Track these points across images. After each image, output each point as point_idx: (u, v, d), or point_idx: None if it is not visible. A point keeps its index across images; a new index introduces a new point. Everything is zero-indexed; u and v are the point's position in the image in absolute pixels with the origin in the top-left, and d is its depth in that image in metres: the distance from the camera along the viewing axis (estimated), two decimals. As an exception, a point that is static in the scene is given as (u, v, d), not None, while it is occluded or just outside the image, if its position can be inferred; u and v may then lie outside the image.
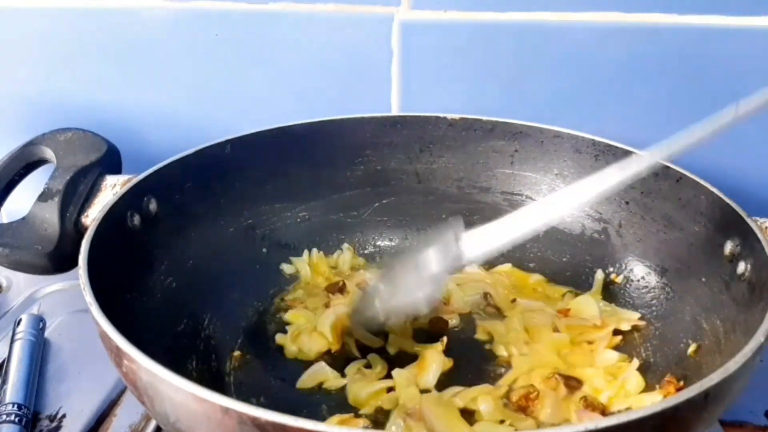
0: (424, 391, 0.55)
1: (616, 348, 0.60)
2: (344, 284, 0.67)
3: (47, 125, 0.69)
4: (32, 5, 0.78)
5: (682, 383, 0.53)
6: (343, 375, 0.58)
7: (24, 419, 0.55)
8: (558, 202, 0.55)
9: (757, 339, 0.42)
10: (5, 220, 0.63)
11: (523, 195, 0.72)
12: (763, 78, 0.71)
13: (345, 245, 0.73)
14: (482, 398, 0.53)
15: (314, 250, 0.71)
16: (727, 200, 0.57)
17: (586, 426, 0.36)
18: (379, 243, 0.74)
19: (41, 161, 0.67)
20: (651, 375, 0.57)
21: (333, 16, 0.74)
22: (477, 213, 0.74)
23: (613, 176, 0.50)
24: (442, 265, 0.53)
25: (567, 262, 0.70)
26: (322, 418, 0.53)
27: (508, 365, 0.59)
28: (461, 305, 0.65)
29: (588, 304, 0.64)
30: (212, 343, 0.60)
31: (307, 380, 0.58)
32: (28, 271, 0.62)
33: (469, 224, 0.73)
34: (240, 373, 0.59)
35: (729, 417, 0.57)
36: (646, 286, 0.64)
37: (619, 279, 0.66)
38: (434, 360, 0.58)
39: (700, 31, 0.70)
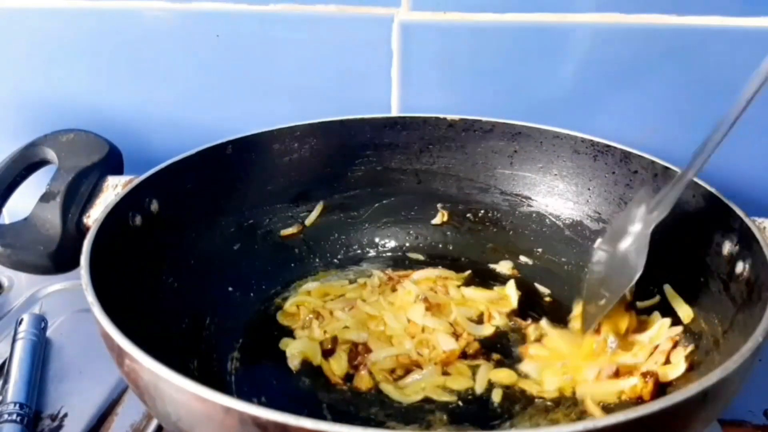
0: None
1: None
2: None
3: (49, 126, 0.70)
4: (34, 6, 0.78)
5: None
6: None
7: (26, 418, 0.55)
8: None
9: (756, 339, 0.42)
10: (7, 221, 0.63)
11: (522, 195, 0.73)
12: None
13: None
14: None
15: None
16: (726, 201, 0.57)
17: (585, 425, 0.36)
18: (378, 243, 0.75)
19: (43, 162, 0.68)
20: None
21: (333, 17, 0.75)
22: (476, 213, 0.74)
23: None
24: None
25: (566, 262, 0.70)
26: (322, 418, 0.54)
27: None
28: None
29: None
30: (213, 343, 0.60)
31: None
32: (30, 271, 0.62)
33: (470, 224, 0.74)
34: (241, 372, 0.59)
35: (728, 416, 0.58)
36: (645, 287, 0.64)
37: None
38: None
39: (700, 31, 0.70)
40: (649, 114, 0.75)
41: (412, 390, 0.57)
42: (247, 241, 0.69)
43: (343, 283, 0.69)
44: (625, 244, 0.58)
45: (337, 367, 0.59)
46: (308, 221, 0.73)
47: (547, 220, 0.72)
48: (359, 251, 0.74)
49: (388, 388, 0.57)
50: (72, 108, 0.82)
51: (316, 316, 0.64)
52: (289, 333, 0.63)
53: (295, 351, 0.60)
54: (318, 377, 0.58)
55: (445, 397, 0.56)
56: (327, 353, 0.60)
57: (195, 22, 0.77)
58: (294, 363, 0.59)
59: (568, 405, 0.55)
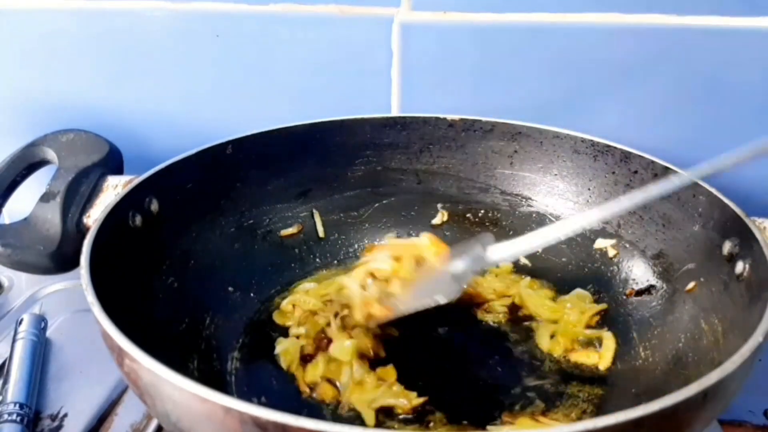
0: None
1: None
2: None
3: (49, 126, 0.70)
4: (34, 6, 0.78)
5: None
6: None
7: (26, 418, 0.55)
8: (578, 221, 0.57)
9: (756, 339, 0.42)
10: (8, 221, 0.63)
11: (522, 195, 0.73)
12: (763, 78, 0.71)
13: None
14: None
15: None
16: (726, 200, 0.57)
17: (585, 425, 0.36)
18: (379, 243, 0.75)
19: (43, 162, 0.68)
20: (649, 373, 0.57)
21: (333, 18, 0.75)
22: (476, 213, 0.74)
23: (634, 197, 0.53)
24: (467, 266, 0.58)
25: (566, 263, 0.70)
26: (322, 418, 0.54)
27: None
28: None
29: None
30: (213, 343, 0.60)
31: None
32: (31, 271, 0.62)
33: (469, 224, 0.74)
34: (241, 372, 0.59)
35: (728, 416, 0.58)
36: (645, 286, 0.64)
37: (618, 279, 0.66)
38: None
39: (700, 31, 0.70)
40: (649, 114, 0.75)
41: (372, 397, 0.55)
42: (247, 241, 0.69)
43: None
44: (452, 268, 0.59)
45: (311, 374, 0.58)
46: (321, 233, 0.73)
47: (547, 220, 0.72)
48: (359, 251, 0.74)
49: (353, 399, 0.55)
50: (72, 108, 0.82)
51: (310, 315, 0.64)
52: (287, 333, 0.63)
53: (280, 350, 0.60)
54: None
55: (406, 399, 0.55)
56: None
57: (195, 22, 0.77)
58: (284, 363, 0.59)
59: (568, 405, 0.55)
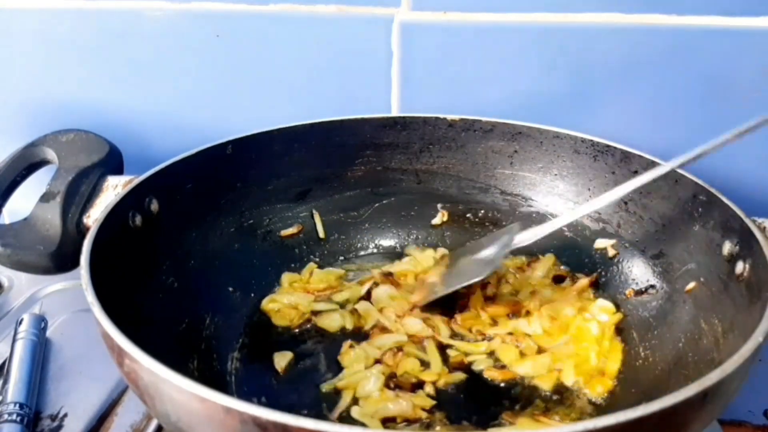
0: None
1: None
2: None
3: (49, 126, 0.70)
4: (34, 6, 0.78)
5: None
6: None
7: (26, 418, 0.55)
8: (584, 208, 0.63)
9: (756, 339, 0.42)
10: (8, 221, 0.63)
11: (522, 195, 0.73)
12: (762, 79, 0.71)
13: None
14: None
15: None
16: (726, 200, 0.57)
17: (585, 425, 0.36)
18: (378, 243, 0.75)
19: (43, 162, 0.68)
20: (649, 373, 0.57)
21: (333, 17, 0.75)
22: (477, 213, 0.74)
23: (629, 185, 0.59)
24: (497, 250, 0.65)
25: (565, 263, 0.70)
26: (322, 417, 0.54)
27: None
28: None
29: None
30: (213, 342, 0.60)
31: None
32: (30, 271, 0.62)
33: (469, 224, 0.75)
34: (241, 373, 0.59)
35: (728, 416, 0.58)
36: (645, 286, 0.64)
37: (618, 279, 0.66)
38: None
39: (700, 31, 0.70)
40: (649, 114, 0.75)
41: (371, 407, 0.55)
42: (247, 241, 0.69)
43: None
44: (484, 254, 0.66)
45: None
46: (321, 233, 0.73)
47: (547, 220, 0.72)
48: (359, 251, 0.74)
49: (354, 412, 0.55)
50: (72, 108, 0.82)
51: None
52: (286, 333, 0.63)
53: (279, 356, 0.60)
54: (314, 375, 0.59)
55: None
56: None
57: (195, 22, 0.77)
58: (280, 365, 0.60)
59: (568, 405, 0.55)
